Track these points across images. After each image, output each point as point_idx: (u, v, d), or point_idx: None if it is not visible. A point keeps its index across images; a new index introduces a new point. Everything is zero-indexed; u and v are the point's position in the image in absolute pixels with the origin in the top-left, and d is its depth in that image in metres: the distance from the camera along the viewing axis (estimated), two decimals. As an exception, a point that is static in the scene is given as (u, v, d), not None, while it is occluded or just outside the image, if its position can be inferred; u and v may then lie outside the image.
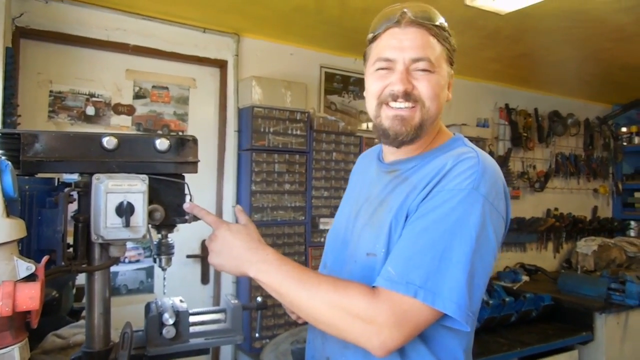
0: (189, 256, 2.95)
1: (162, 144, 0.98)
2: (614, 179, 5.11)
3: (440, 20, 1.06)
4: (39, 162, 0.90)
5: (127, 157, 0.96)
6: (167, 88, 2.90)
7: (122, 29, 2.70)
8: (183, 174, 1.02)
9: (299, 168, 2.93)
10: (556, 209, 4.66)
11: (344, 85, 3.48)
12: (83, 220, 0.92)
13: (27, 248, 0.91)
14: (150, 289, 2.82)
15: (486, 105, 4.25)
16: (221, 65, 3.03)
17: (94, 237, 0.91)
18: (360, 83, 3.42)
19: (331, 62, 3.41)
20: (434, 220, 0.94)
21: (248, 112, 2.84)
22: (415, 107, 1.03)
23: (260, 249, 0.99)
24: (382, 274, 0.94)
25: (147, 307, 1.08)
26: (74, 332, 1.42)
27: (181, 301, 1.09)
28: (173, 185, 1.01)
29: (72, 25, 2.56)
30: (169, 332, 1.00)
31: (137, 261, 2.78)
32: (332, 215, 3.04)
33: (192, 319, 1.07)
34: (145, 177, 0.94)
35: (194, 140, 1.03)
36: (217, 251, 1.02)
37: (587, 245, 4.27)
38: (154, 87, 2.86)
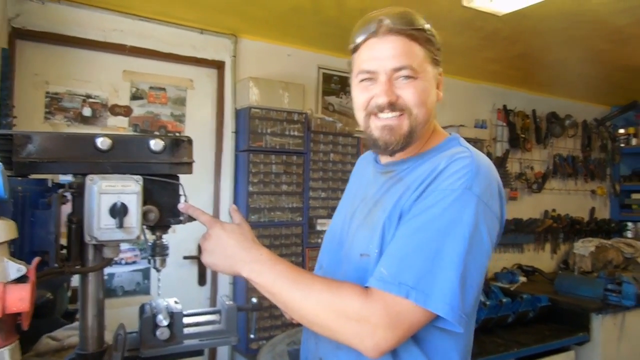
0: (185, 257, 2.94)
1: (156, 144, 0.97)
2: (611, 180, 5.12)
3: (421, 22, 1.03)
4: (32, 163, 0.90)
5: (121, 158, 0.95)
6: (164, 89, 2.90)
7: (119, 29, 2.69)
8: (178, 175, 1.02)
9: (296, 169, 2.93)
10: (554, 210, 4.67)
11: (342, 86, 3.48)
12: (76, 221, 0.91)
13: (20, 249, 0.90)
14: (146, 291, 2.81)
15: (484, 107, 4.25)
16: (219, 66, 3.03)
17: (87, 238, 0.90)
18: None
19: (329, 63, 3.41)
20: (427, 221, 0.93)
21: (245, 113, 2.83)
22: (403, 116, 1.03)
23: (254, 249, 0.99)
24: (375, 274, 0.93)
25: (142, 308, 1.08)
26: (68, 334, 1.41)
27: (176, 302, 1.09)
28: (167, 186, 1.00)
29: (68, 26, 2.56)
30: (163, 333, 1.00)
31: (134, 263, 2.78)
32: (329, 216, 3.04)
33: (186, 320, 1.07)
34: (139, 177, 0.93)
35: (189, 141, 1.02)
36: (210, 250, 1.02)
37: (584, 247, 4.27)
38: (151, 88, 2.85)
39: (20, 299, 0.71)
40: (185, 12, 2.74)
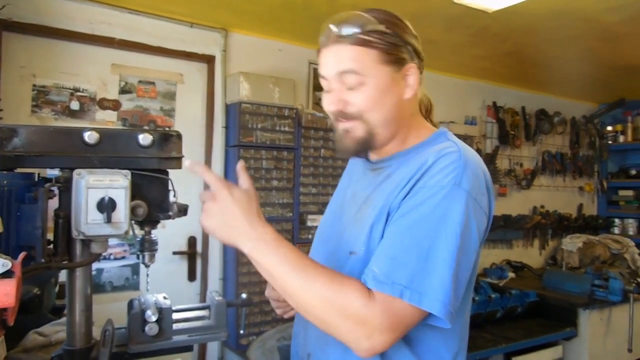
0: (175, 253, 2.93)
1: (145, 139, 0.96)
2: (599, 177, 5.17)
3: (368, 24, 1.01)
4: (18, 157, 0.88)
5: (109, 152, 0.94)
6: (153, 83, 2.87)
7: (107, 22, 2.66)
8: (167, 170, 1.01)
9: (287, 164, 2.92)
10: (542, 207, 4.71)
11: (333, 81, 3.46)
12: (63, 216, 0.90)
13: (5, 244, 0.89)
14: (135, 286, 2.80)
15: (474, 103, 4.27)
16: (209, 60, 3.01)
17: (74, 233, 0.89)
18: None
19: (320, 59, 3.39)
20: (418, 219, 0.93)
21: (236, 108, 2.82)
22: (357, 122, 1.04)
23: (260, 225, 0.94)
24: (367, 273, 0.92)
25: (130, 304, 1.06)
26: (56, 330, 1.40)
27: (165, 298, 1.08)
28: (156, 181, 0.99)
29: (56, 18, 2.52)
30: (151, 329, 0.99)
31: (123, 258, 2.76)
32: (320, 212, 3.04)
33: (175, 315, 1.06)
34: (127, 172, 0.92)
35: (178, 136, 1.01)
36: (212, 214, 0.95)
37: (572, 243, 4.32)
38: (140, 82, 2.83)
39: (5, 294, 0.71)
40: (175, 6, 2.72)
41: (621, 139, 5.04)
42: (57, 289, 1.83)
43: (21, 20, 2.43)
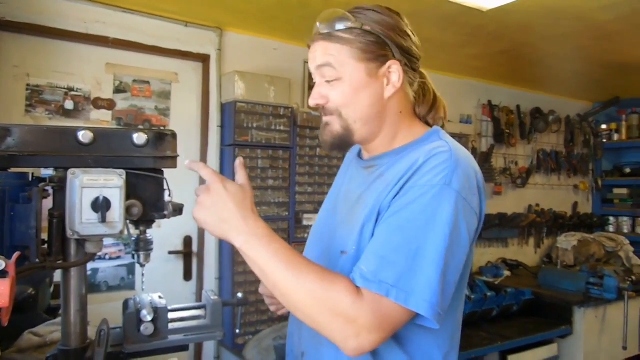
0: (171, 252, 2.92)
1: (139, 138, 0.96)
2: (593, 175, 5.19)
3: (348, 20, 1.05)
4: (12, 157, 0.88)
5: (103, 152, 0.93)
6: (148, 82, 2.86)
7: (101, 21, 2.65)
8: (162, 169, 1.01)
9: (282, 164, 2.92)
10: (537, 205, 4.72)
11: (328, 80, 3.46)
12: (58, 215, 0.90)
13: (0, 244, 0.89)
14: (131, 286, 2.79)
15: (469, 102, 4.28)
16: (204, 59, 3.00)
17: (69, 233, 0.89)
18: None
19: (315, 58, 3.39)
20: (407, 218, 0.93)
21: (231, 107, 2.82)
22: (334, 117, 1.07)
23: (252, 220, 0.94)
24: (355, 271, 0.92)
25: (125, 303, 1.06)
26: (51, 330, 1.39)
27: (160, 297, 1.08)
28: (151, 180, 0.99)
29: (50, 18, 2.51)
30: (147, 329, 0.99)
31: (118, 258, 2.75)
32: (315, 211, 3.04)
33: (171, 315, 1.06)
34: (122, 171, 0.92)
35: (173, 135, 1.01)
36: (205, 206, 0.95)
37: (567, 241, 4.34)
38: (134, 81, 2.82)
39: (-1, 295, 0.70)
40: (169, 5, 2.71)
41: (615, 137, 5.06)
42: (52, 289, 1.82)
43: (15, 19, 2.42)
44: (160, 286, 2.77)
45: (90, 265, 0.99)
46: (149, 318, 0.99)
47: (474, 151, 4.10)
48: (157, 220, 1.02)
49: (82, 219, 0.88)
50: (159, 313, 1.01)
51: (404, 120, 1.11)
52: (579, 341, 3.19)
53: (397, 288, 0.88)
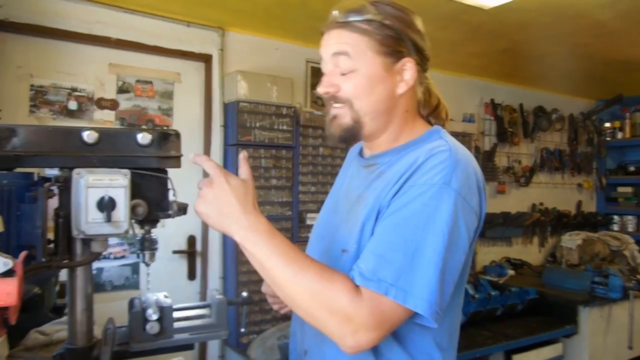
0: (175, 252, 2.93)
1: (144, 138, 0.96)
2: (597, 173, 5.17)
3: (370, 12, 1.04)
4: (17, 157, 0.88)
5: (108, 152, 0.94)
6: (151, 82, 2.87)
7: (103, 22, 2.65)
8: (166, 169, 1.01)
9: (285, 163, 2.93)
10: (541, 204, 4.72)
11: (331, 80, 3.46)
12: (63, 215, 0.90)
13: (6, 244, 0.89)
14: (135, 285, 2.80)
15: (472, 101, 4.27)
16: (206, 59, 3.01)
17: (75, 232, 0.89)
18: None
19: (317, 57, 3.35)
20: (406, 217, 0.93)
21: (234, 107, 2.82)
22: (345, 107, 1.06)
23: (253, 215, 0.94)
24: (354, 270, 0.92)
25: (131, 302, 1.07)
26: (57, 329, 1.40)
27: (165, 297, 1.08)
28: (156, 180, 0.99)
29: (52, 18, 2.52)
30: (152, 327, 0.99)
31: (123, 257, 2.76)
32: (319, 211, 3.03)
33: (176, 314, 1.06)
34: (127, 171, 0.92)
35: (177, 135, 1.01)
36: (207, 200, 0.94)
37: (571, 240, 4.32)
38: (137, 81, 2.83)
39: (7, 294, 0.71)
40: (171, 5, 2.72)
41: (619, 135, 5.05)
42: (57, 288, 1.83)
43: (17, 20, 2.43)
44: (164, 285, 2.78)
45: (94, 265, 0.99)
46: (155, 317, 0.99)
47: (477, 150, 4.09)
48: (161, 220, 1.03)
49: (88, 219, 0.89)
50: (164, 312, 1.01)
51: (408, 119, 1.11)
52: (584, 341, 3.18)
53: (396, 287, 0.88)
